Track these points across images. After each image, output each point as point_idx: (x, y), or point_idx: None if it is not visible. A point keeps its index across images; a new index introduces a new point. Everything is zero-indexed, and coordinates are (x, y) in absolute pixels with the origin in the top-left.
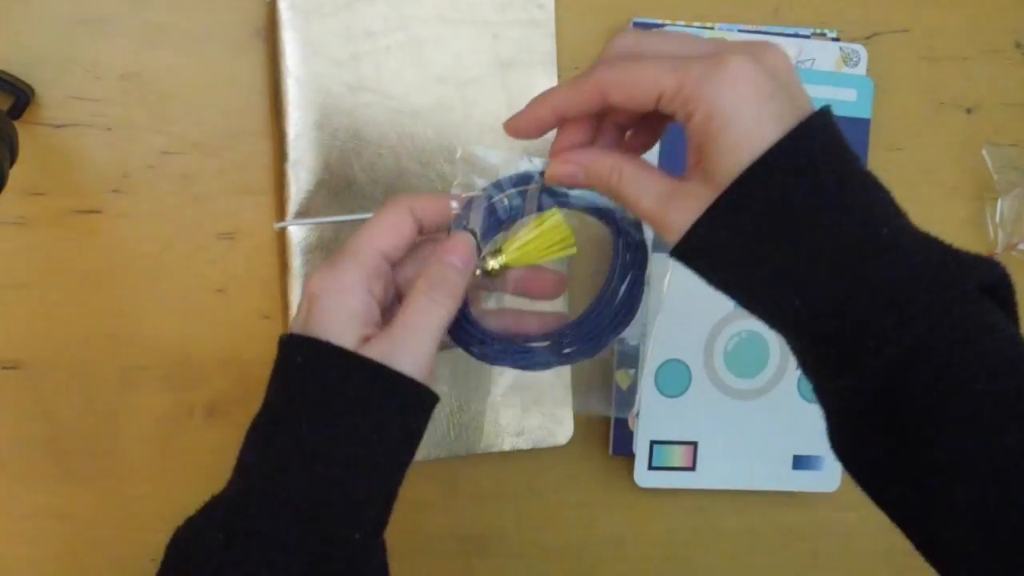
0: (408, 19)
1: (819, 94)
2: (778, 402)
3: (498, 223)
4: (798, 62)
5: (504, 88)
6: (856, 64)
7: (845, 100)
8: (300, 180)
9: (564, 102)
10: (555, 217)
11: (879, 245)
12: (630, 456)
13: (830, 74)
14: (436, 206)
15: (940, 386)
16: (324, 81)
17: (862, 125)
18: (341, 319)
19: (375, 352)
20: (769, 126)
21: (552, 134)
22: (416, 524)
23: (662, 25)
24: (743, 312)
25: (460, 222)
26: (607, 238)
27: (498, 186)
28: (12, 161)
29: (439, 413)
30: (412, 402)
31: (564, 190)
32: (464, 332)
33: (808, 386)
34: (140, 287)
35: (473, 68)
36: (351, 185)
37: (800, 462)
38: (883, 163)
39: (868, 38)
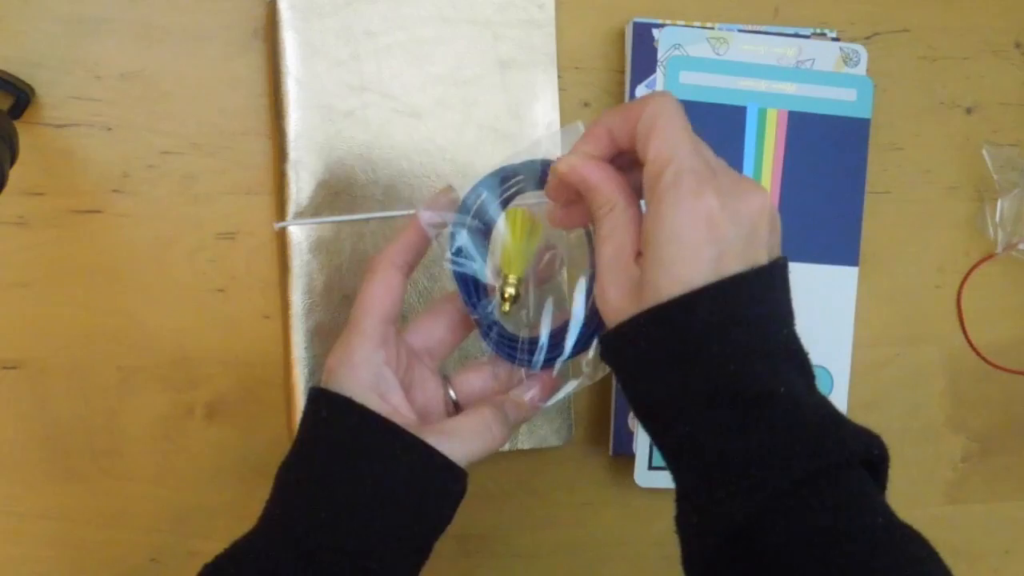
0: (408, 19)
1: (819, 94)
2: None
3: (482, 239)
4: (798, 62)
5: (504, 88)
6: (856, 64)
7: (845, 100)
8: (300, 180)
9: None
10: (513, 214)
11: (772, 400)
12: (630, 456)
13: (830, 74)
14: (414, 245)
15: (790, 546)
16: (324, 81)
17: (862, 125)
18: (357, 392)
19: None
20: (706, 264)
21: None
22: None
23: (662, 25)
24: None
25: (458, 258)
26: None
27: (464, 209)
28: (12, 161)
29: None
30: (422, 464)
31: (508, 189)
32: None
33: None
34: (140, 287)
35: (473, 68)
36: (351, 185)
37: None
38: (883, 163)
39: (868, 38)
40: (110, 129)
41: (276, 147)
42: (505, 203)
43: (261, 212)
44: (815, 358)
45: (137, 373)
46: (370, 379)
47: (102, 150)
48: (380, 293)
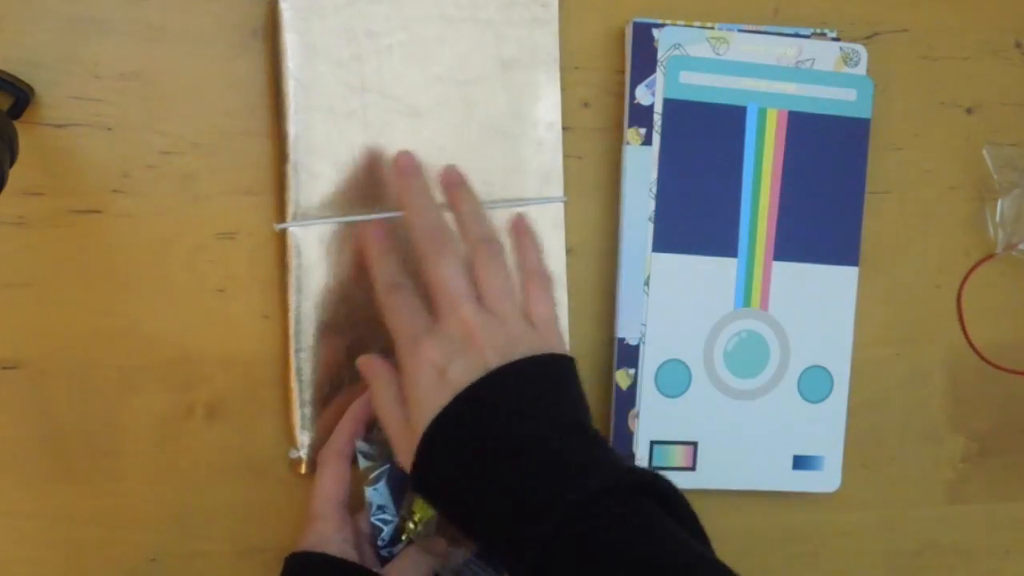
0: (410, 19)
1: (819, 94)
2: (778, 402)
3: (401, 484)
4: (798, 62)
5: (506, 88)
6: (856, 64)
7: (845, 100)
8: (300, 180)
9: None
10: None
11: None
12: (630, 456)
13: (830, 74)
14: (354, 436)
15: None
16: (325, 82)
17: (862, 125)
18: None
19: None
20: (444, 394)
21: None
22: None
23: (662, 25)
24: (743, 312)
25: (372, 495)
26: None
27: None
28: (12, 161)
29: None
30: None
31: None
32: None
33: (808, 386)
34: (140, 287)
35: (475, 68)
36: (351, 186)
37: (800, 462)
38: (883, 163)
39: (868, 38)
40: (110, 129)
41: (276, 147)
42: None
43: (261, 212)
44: (815, 358)
45: (137, 373)
46: (337, 553)
47: (102, 150)
48: (332, 482)
